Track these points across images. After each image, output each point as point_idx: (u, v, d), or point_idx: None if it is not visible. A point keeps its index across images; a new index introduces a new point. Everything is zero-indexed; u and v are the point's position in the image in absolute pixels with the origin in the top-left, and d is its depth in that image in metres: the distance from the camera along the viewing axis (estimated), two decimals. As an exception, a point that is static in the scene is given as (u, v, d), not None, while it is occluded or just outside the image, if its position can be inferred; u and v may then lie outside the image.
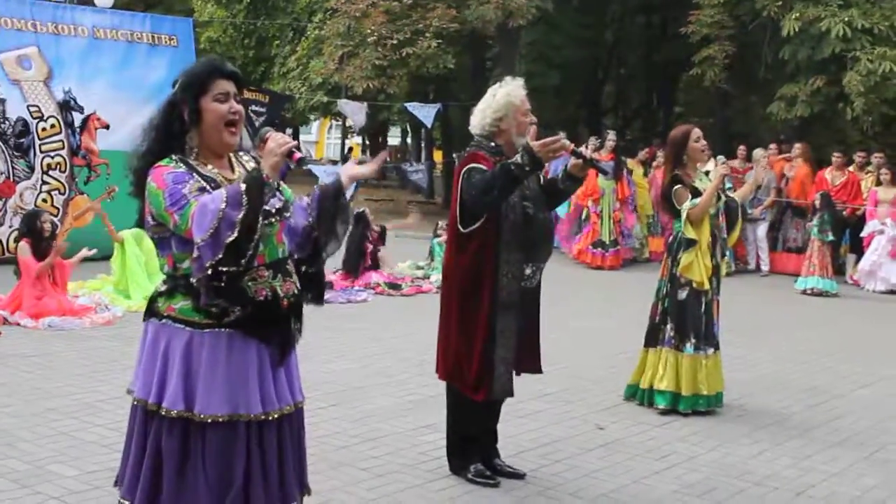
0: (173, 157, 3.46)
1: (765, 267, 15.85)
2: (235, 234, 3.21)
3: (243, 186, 3.25)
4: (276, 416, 3.55)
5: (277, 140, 3.38)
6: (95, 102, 13.03)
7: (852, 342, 10.24)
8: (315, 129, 53.98)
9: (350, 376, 7.61)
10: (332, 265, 12.64)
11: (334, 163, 24.66)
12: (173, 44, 14.21)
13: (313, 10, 24.14)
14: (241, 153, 3.69)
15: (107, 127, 13.04)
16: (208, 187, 3.39)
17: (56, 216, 12.42)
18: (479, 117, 5.34)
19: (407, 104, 18.56)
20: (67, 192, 12.94)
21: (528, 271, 5.20)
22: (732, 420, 6.86)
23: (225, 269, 3.27)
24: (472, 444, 5.40)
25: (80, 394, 6.69)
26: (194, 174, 3.43)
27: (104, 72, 13.11)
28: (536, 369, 5.52)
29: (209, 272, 3.28)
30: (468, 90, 25.52)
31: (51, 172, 12.77)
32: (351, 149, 56.13)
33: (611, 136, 16.21)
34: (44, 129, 12.69)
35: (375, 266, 12.70)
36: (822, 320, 11.75)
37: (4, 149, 12.32)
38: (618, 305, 11.83)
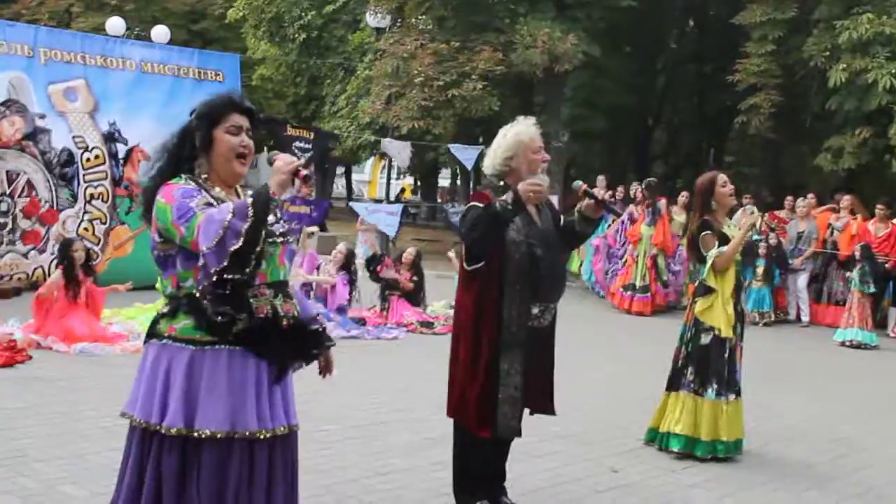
0: (183, 175, 3.58)
1: (805, 318, 15.63)
2: (241, 243, 3.29)
3: (250, 200, 3.35)
4: (268, 435, 3.57)
5: (284, 159, 3.49)
6: (139, 135, 13.25)
7: (888, 397, 10.03)
8: (368, 168, 54.38)
9: (372, 412, 7.62)
10: (367, 302, 12.72)
11: (378, 201, 24.76)
12: (219, 79, 14.44)
13: (364, 51, 24.42)
14: (247, 189, 3.73)
15: (149, 159, 13.20)
16: (215, 203, 3.48)
17: (97, 245, 12.64)
18: (491, 157, 5.35)
19: (450, 145, 18.65)
20: (109, 221, 13.18)
21: (535, 311, 5.18)
22: (751, 468, 6.75)
23: (230, 276, 3.35)
24: (478, 481, 5.38)
25: (98, 418, 6.75)
26: (203, 191, 3.54)
27: (149, 105, 13.33)
28: (549, 410, 5.47)
29: (214, 279, 3.35)
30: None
31: (93, 202, 13.01)
32: (403, 189, 56.50)
33: (634, 186, 16.25)
34: (88, 160, 12.94)
35: (414, 302, 12.75)
36: (858, 373, 11.55)
37: (49, 178, 12.57)
38: (646, 349, 11.72)
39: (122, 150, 13.29)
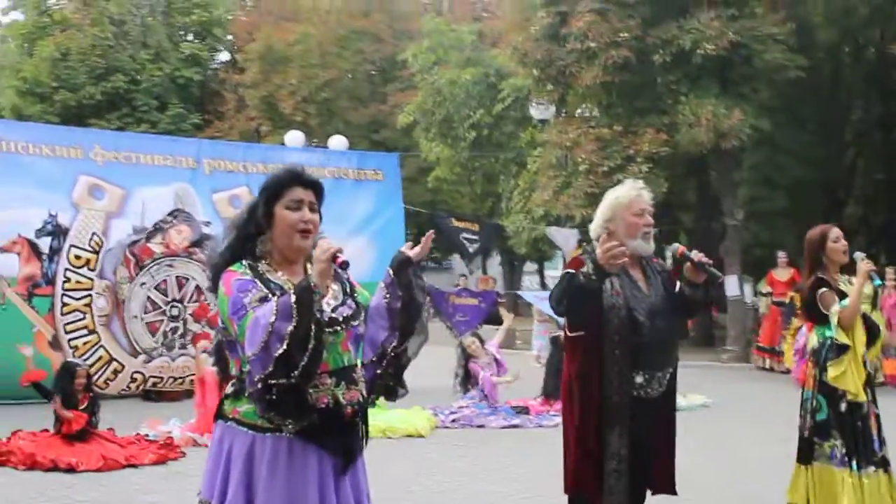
0: (243, 262, 3.53)
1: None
2: (285, 347, 3.22)
3: (293, 298, 3.25)
4: None
5: (323, 246, 3.39)
6: (303, 237, 13.65)
7: None
8: (560, 262, 54.36)
9: (512, 499, 7.52)
10: (534, 392, 12.56)
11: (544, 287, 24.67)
12: (378, 178, 14.82)
13: (535, 144, 24.60)
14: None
15: (310, 260, 13.64)
16: (270, 296, 3.40)
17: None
18: (594, 222, 5.28)
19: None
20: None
21: (639, 380, 4.98)
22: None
23: (275, 381, 3.27)
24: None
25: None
26: (258, 282, 3.47)
27: (311, 206, 13.73)
28: (668, 490, 5.22)
29: (259, 386, 3.29)
30: (694, 214, 25.15)
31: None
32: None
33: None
34: (251, 263, 13.42)
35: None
36: None
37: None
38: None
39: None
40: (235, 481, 3.43)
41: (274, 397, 3.31)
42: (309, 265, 3.61)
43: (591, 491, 4.96)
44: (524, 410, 11.79)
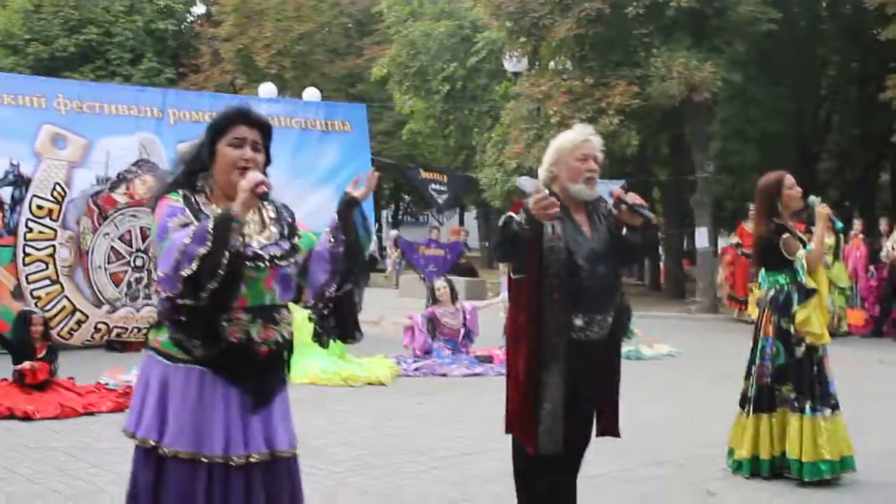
0: (179, 191, 3.52)
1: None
2: (193, 269, 3.21)
3: (210, 224, 3.25)
4: (241, 461, 3.47)
5: (248, 177, 3.39)
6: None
7: None
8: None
9: (466, 443, 7.54)
10: (499, 342, 12.58)
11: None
12: (346, 129, 14.73)
13: (509, 97, 24.49)
14: (265, 202, 3.59)
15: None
16: (195, 222, 3.39)
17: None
18: (542, 165, 5.27)
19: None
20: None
21: (578, 322, 4.96)
22: (860, 491, 6.24)
23: (181, 302, 3.27)
24: (542, 501, 5.18)
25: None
26: (187, 210, 3.46)
27: (277, 158, 13.30)
28: (612, 432, 5.23)
29: (167, 305, 3.30)
30: (669, 168, 25.19)
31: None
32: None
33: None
34: (220, 212, 13.37)
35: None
36: None
37: (183, 231, 13.08)
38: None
39: (254, 203, 13.67)
40: (150, 409, 3.47)
41: (182, 318, 3.32)
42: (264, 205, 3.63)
43: (527, 431, 4.97)
44: (488, 359, 11.84)
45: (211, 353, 3.42)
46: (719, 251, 21.39)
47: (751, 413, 6.44)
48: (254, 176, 3.39)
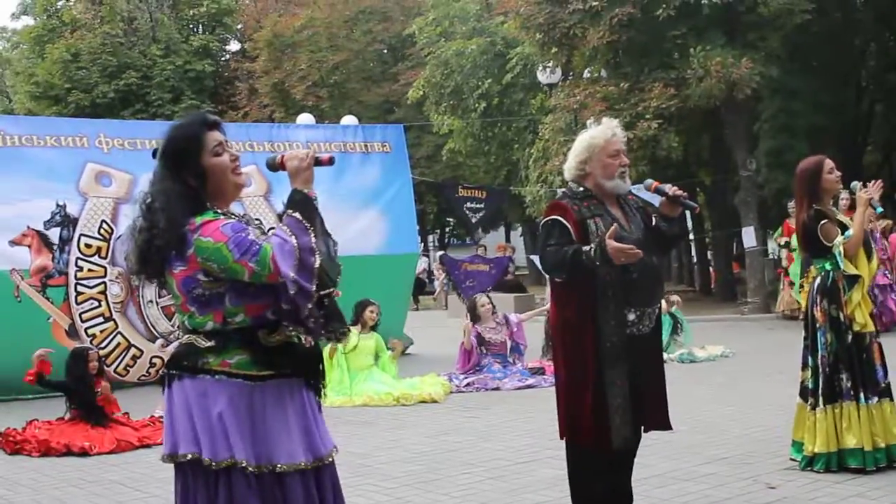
0: (212, 210, 3.49)
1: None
2: (318, 258, 3.30)
3: (297, 214, 3.36)
4: (329, 460, 3.55)
5: (298, 155, 3.52)
6: (313, 212, 13.66)
7: None
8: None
9: (520, 452, 7.50)
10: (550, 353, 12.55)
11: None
12: (386, 149, 14.78)
13: (546, 111, 24.45)
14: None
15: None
16: (259, 227, 3.54)
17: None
18: (568, 163, 5.28)
19: (633, 187, 18.21)
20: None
21: (631, 317, 4.96)
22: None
23: (323, 292, 3.37)
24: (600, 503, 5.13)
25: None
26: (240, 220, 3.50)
27: (319, 182, 13.65)
28: (664, 425, 5.22)
29: (311, 307, 3.32)
30: (713, 170, 24.92)
31: (272, 282, 13.46)
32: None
33: (843, 195, 15.25)
34: (267, 240, 13.45)
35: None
36: None
37: (229, 258, 13.14)
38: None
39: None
40: (243, 433, 3.38)
41: (326, 305, 3.41)
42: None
43: (597, 432, 4.92)
44: (540, 371, 11.75)
45: (298, 360, 3.49)
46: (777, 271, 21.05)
47: (817, 406, 6.27)
48: (302, 152, 3.57)
